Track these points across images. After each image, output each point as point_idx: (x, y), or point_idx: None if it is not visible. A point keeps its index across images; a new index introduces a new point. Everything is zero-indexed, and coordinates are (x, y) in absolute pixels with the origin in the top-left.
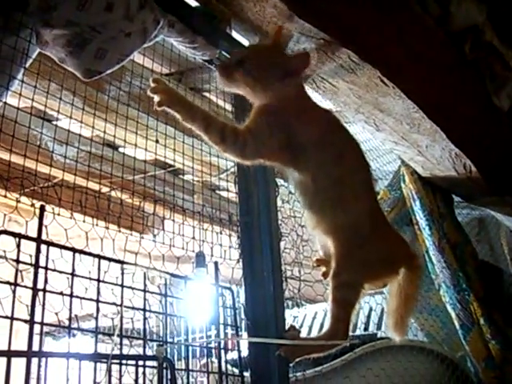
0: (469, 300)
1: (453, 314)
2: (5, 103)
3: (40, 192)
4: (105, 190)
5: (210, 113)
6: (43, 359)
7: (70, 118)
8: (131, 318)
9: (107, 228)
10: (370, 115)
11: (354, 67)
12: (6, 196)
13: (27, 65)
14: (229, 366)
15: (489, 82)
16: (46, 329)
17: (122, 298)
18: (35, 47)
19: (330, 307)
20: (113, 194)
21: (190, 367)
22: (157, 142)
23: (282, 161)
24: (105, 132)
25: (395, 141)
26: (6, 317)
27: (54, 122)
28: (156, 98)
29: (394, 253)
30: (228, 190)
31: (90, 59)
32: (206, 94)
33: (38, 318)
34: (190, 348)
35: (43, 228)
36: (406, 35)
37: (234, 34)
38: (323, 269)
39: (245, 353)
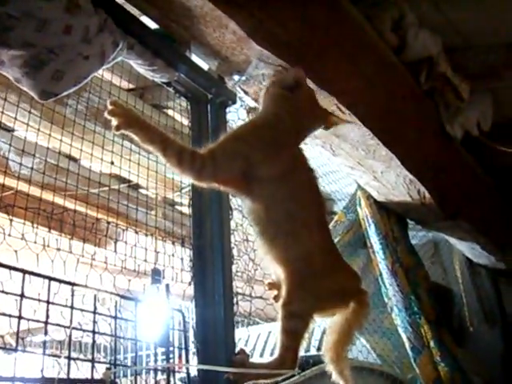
0: (420, 323)
1: (404, 337)
2: None
3: None
4: (65, 203)
5: (169, 135)
6: None
7: (27, 130)
8: (79, 341)
9: (58, 250)
10: (326, 140)
11: None
12: None
13: None
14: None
15: (442, 111)
16: None
17: (71, 320)
18: None
19: (279, 335)
20: (71, 206)
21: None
22: (112, 163)
23: (237, 188)
24: (60, 151)
25: (351, 166)
26: None
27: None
28: (114, 122)
29: (345, 285)
30: (182, 204)
31: (46, 81)
32: (166, 111)
33: None
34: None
35: None
36: (362, 64)
37: (194, 58)
38: (275, 292)
39: (194, 372)
